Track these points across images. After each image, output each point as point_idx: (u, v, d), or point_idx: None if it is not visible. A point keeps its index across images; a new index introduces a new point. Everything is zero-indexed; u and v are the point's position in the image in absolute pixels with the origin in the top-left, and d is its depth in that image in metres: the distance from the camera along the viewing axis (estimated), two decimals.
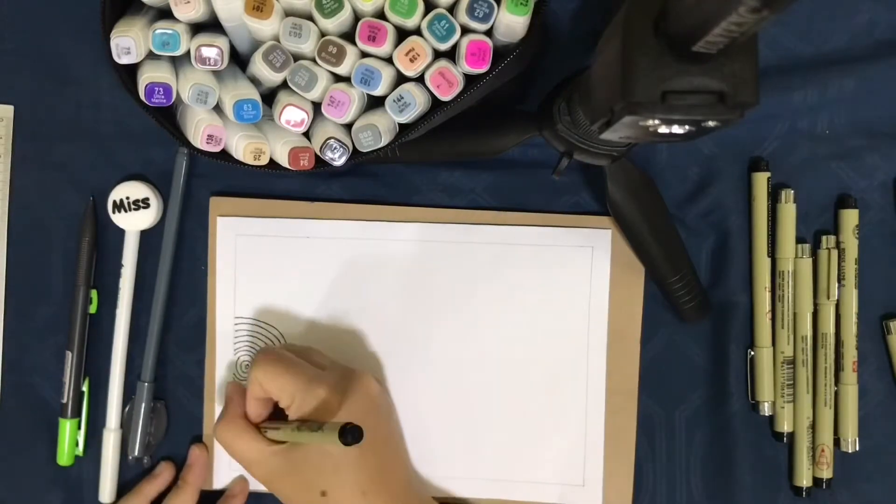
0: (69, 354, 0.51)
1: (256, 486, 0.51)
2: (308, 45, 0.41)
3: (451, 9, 0.41)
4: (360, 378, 0.46)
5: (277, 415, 0.47)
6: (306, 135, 0.45)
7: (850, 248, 0.50)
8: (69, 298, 0.51)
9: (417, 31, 0.41)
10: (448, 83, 0.41)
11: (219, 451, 0.51)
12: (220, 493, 0.51)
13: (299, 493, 0.45)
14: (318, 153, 0.43)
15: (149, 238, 0.52)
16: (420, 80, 0.42)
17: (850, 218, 0.50)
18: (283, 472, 0.45)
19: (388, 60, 0.42)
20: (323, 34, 0.41)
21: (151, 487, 0.50)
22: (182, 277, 0.52)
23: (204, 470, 0.51)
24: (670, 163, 0.51)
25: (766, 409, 0.50)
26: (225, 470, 0.51)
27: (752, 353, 0.51)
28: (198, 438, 0.52)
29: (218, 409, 0.51)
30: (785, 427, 0.50)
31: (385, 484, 0.45)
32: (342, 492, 0.44)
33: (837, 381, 0.50)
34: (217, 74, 0.43)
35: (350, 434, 0.39)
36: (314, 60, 0.41)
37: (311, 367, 0.46)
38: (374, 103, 0.44)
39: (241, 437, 0.46)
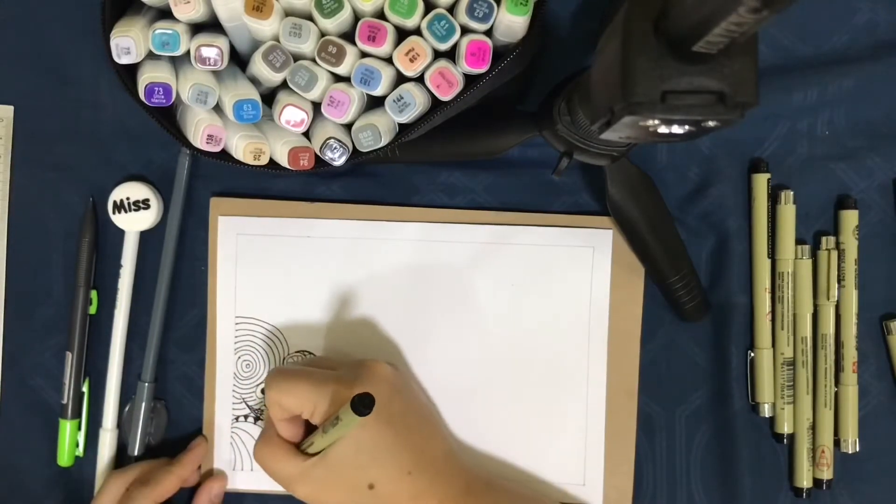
0: (69, 355, 0.51)
1: (259, 485, 0.51)
2: (308, 45, 0.41)
3: (451, 9, 0.41)
4: (370, 366, 0.46)
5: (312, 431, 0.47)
6: (306, 135, 0.45)
7: (850, 249, 0.50)
8: (69, 299, 0.51)
9: (417, 31, 0.41)
10: (448, 83, 0.41)
11: (220, 433, 0.51)
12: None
13: (348, 496, 0.44)
14: (318, 153, 0.43)
15: (148, 238, 0.52)
16: (420, 80, 0.42)
17: (850, 219, 0.50)
18: (325, 481, 0.44)
19: (388, 60, 0.42)
20: (323, 34, 0.41)
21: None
22: (182, 278, 0.52)
23: (196, 461, 0.50)
24: (670, 163, 0.51)
25: (766, 411, 0.50)
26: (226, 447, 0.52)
27: (752, 354, 0.51)
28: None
29: (218, 409, 0.51)
30: (785, 428, 0.50)
31: (428, 459, 0.45)
32: (387, 478, 0.43)
33: (837, 381, 0.50)
34: (217, 74, 0.43)
35: (360, 403, 0.39)
36: (314, 60, 0.41)
37: (320, 371, 0.46)
38: (374, 103, 0.44)
39: (275, 455, 0.46)
